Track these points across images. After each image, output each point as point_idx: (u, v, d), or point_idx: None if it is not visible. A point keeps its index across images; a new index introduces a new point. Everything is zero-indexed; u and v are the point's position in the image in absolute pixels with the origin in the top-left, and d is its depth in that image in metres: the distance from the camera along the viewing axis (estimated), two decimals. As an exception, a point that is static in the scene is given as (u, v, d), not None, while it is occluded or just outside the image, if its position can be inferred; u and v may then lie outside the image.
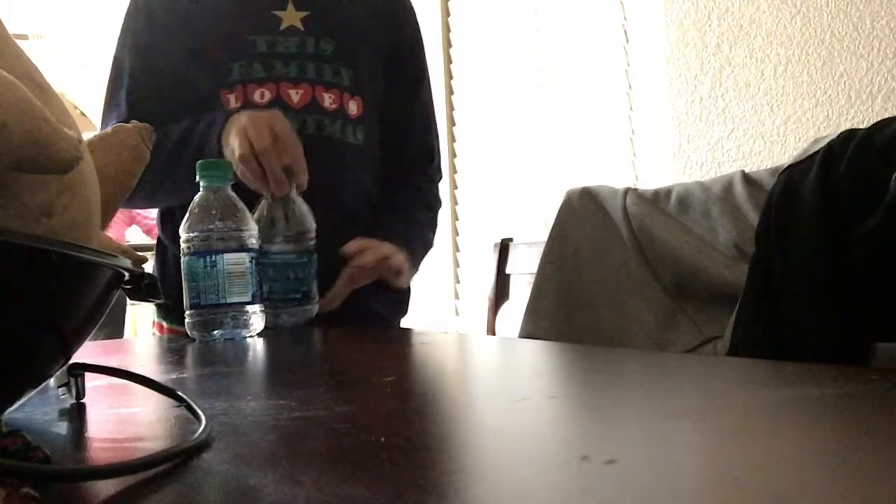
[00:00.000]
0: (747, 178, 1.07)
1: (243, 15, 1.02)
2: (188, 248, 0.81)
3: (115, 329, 2.54)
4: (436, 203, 1.16)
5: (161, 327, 1.07)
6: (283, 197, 0.88)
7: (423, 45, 1.16)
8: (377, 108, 1.08)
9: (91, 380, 0.42)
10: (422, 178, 1.15)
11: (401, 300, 1.12)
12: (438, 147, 1.19)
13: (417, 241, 1.06)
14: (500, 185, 2.14)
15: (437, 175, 1.19)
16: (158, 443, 0.33)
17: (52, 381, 0.40)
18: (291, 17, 1.04)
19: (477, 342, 0.77)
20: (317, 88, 1.01)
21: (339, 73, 1.03)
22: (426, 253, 1.10)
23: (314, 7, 1.04)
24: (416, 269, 1.06)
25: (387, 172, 1.10)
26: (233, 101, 0.99)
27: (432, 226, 1.13)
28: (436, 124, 1.18)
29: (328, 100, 1.01)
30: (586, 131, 1.80)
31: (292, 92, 1.00)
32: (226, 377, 0.56)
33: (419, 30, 1.17)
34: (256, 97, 0.99)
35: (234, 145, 0.87)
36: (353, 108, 1.03)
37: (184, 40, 1.02)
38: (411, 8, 1.16)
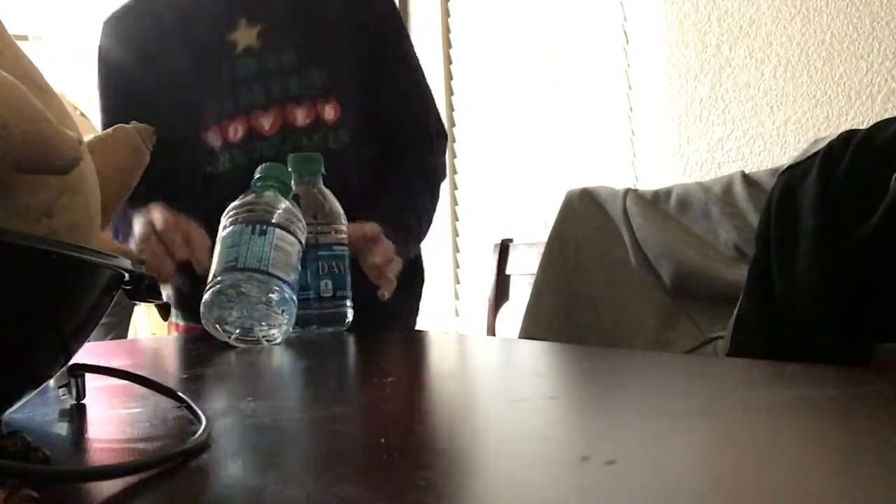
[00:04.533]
0: (747, 179, 1.07)
1: (201, 49, 1.00)
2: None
3: (119, 333, 2.54)
4: (432, 180, 1.12)
5: (177, 326, 1.06)
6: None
7: (401, 23, 1.13)
8: (361, 95, 1.05)
9: (91, 380, 0.42)
10: (423, 152, 1.11)
11: (410, 298, 1.11)
12: (438, 125, 1.15)
13: (405, 229, 1.01)
14: (500, 185, 2.14)
15: (439, 141, 1.14)
16: (159, 443, 0.33)
17: (52, 382, 0.40)
18: (246, 36, 1.01)
19: (477, 342, 0.77)
20: (287, 108, 0.99)
21: (307, 80, 1.00)
22: (416, 240, 1.06)
23: (268, 16, 1.01)
24: (403, 255, 1.00)
25: (384, 152, 1.07)
26: (210, 139, 0.98)
27: (427, 212, 1.08)
28: (432, 101, 1.14)
29: (301, 117, 0.99)
30: (586, 131, 1.80)
31: (263, 120, 0.99)
32: (226, 378, 0.56)
33: (394, 9, 1.13)
34: (231, 134, 0.98)
35: (135, 230, 0.88)
36: (329, 113, 1.01)
37: (153, 85, 1.01)
38: None
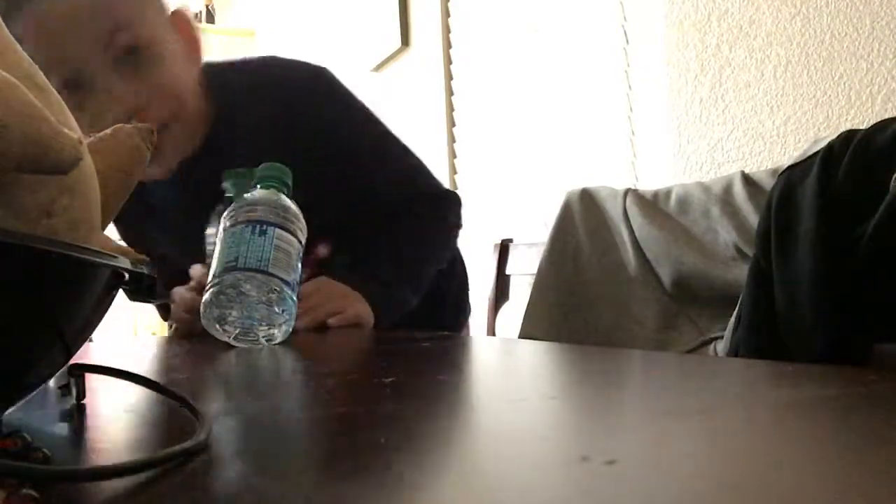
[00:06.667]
0: (747, 179, 1.07)
1: (186, 242, 1.01)
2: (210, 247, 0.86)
3: None
4: (430, 229, 1.11)
5: None
6: None
7: (338, 122, 1.09)
8: (349, 223, 1.05)
9: (91, 380, 0.42)
10: (417, 210, 1.11)
11: (456, 312, 1.13)
12: (414, 175, 1.14)
13: (395, 297, 1.01)
14: (500, 186, 2.14)
15: (439, 200, 1.14)
16: (159, 443, 0.33)
17: (52, 382, 0.40)
18: None
19: (477, 342, 0.77)
20: None
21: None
22: (405, 288, 1.04)
23: None
24: (395, 310, 1.01)
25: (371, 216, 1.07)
26: None
27: (418, 256, 1.08)
28: (396, 161, 1.12)
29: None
30: (586, 131, 1.80)
31: None
32: (226, 378, 0.56)
33: (332, 115, 1.08)
34: None
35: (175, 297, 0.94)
36: (323, 251, 1.03)
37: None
38: (313, 111, 1.06)
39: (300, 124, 1.04)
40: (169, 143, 0.99)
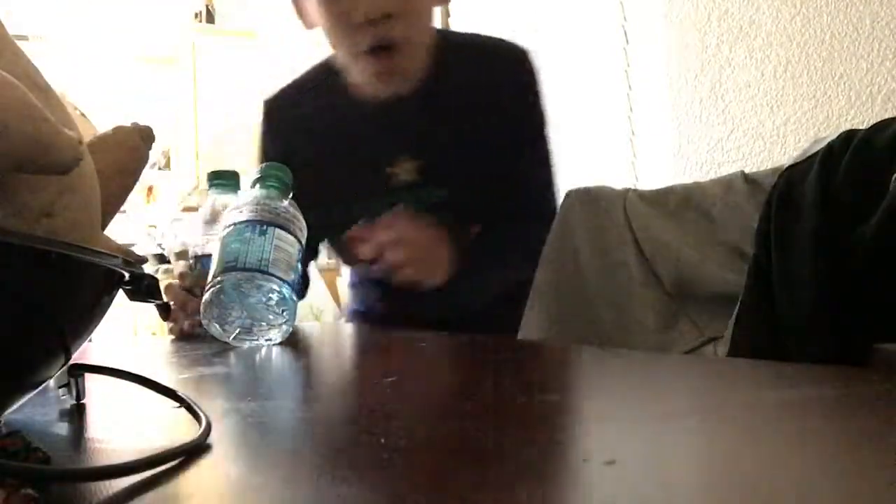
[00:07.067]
0: (747, 179, 1.07)
1: (357, 176, 1.03)
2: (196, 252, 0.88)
3: None
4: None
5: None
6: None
7: (527, 102, 1.13)
8: (503, 205, 1.08)
9: (91, 380, 0.42)
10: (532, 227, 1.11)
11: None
12: (548, 195, 1.17)
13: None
14: (500, 186, 2.14)
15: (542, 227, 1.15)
16: (158, 443, 0.33)
17: (52, 382, 0.40)
18: (405, 170, 1.04)
19: (476, 343, 0.77)
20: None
21: (459, 214, 1.03)
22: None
23: (430, 152, 1.03)
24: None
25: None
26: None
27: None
28: (541, 170, 1.17)
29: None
30: (586, 131, 1.80)
31: None
32: (226, 378, 0.56)
33: (529, 88, 1.13)
34: None
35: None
36: (475, 229, 1.05)
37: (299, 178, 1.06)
38: (520, 75, 1.11)
39: (496, 89, 1.08)
40: (400, 63, 1.00)
